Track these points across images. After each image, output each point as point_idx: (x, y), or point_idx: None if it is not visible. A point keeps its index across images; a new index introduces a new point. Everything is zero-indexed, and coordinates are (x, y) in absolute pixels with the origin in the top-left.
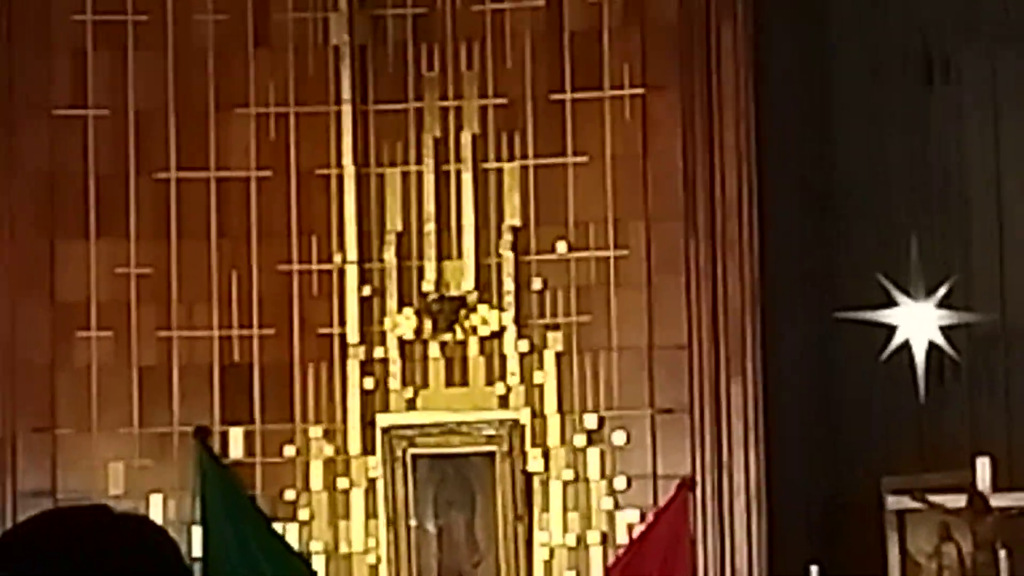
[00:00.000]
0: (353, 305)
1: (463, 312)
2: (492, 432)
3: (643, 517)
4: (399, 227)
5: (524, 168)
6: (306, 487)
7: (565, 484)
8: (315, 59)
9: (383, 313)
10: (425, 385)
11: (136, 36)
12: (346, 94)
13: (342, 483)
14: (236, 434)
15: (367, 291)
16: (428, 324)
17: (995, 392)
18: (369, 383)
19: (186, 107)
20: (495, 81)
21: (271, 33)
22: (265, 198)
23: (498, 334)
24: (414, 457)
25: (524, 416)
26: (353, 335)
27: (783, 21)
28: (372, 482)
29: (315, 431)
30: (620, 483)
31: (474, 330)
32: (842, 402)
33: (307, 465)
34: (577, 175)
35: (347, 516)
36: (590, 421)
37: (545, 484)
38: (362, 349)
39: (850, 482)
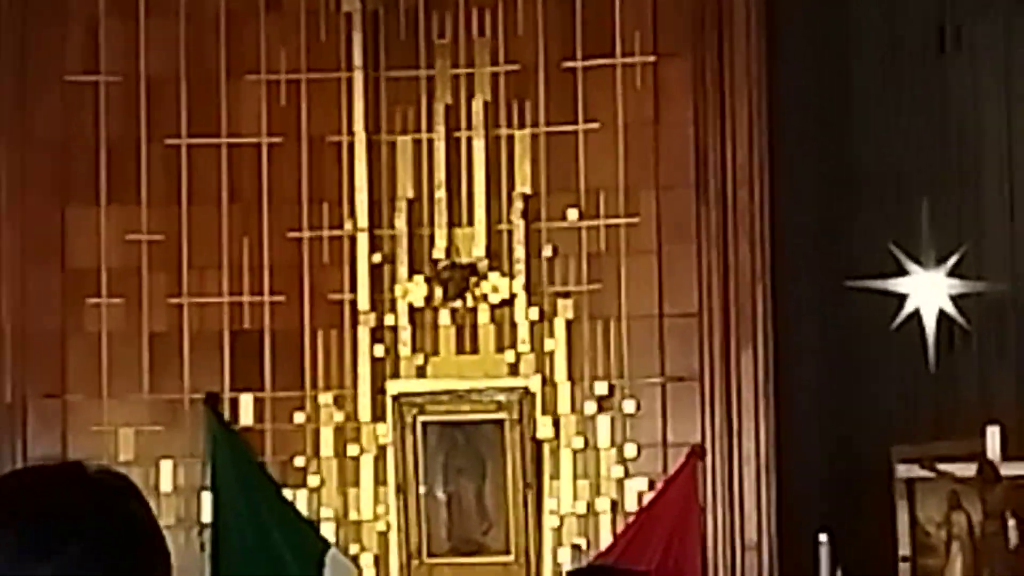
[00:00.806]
0: (364, 272)
1: (474, 279)
2: (502, 399)
3: (653, 485)
4: (410, 194)
5: (535, 136)
6: (316, 454)
7: (575, 452)
8: (327, 25)
9: (394, 280)
10: (435, 352)
11: (148, 3)
12: (358, 61)
13: (352, 450)
14: (246, 400)
15: (378, 258)
16: (439, 291)
17: (1005, 361)
18: (379, 350)
19: (198, 73)
20: (507, 48)
21: None
22: (276, 165)
23: (508, 302)
24: (424, 424)
25: (534, 384)
26: (364, 302)
27: None
28: (382, 449)
29: (325, 398)
30: (630, 451)
31: (484, 297)
32: (852, 370)
33: (317, 432)
34: (588, 143)
35: (357, 483)
36: (600, 389)
37: (555, 452)
38: (373, 316)
39: (860, 450)
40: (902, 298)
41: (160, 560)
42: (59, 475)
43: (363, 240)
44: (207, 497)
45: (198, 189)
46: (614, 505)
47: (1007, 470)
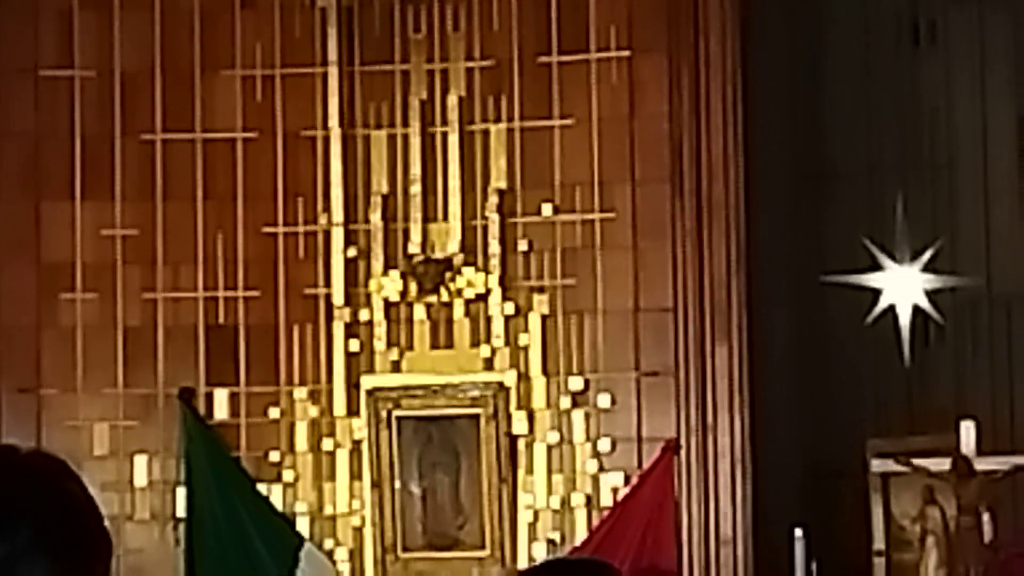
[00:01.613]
0: (339, 267)
1: (448, 274)
2: (477, 394)
3: (628, 480)
4: (385, 189)
5: (510, 130)
6: (291, 448)
7: (550, 447)
8: (301, 20)
9: (368, 275)
10: (410, 347)
11: None
12: (332, 56)
13: (327, 444)
14: (221, 395)
15: (352, 253)
16: (413, 286)
17: (979, 356)
18: (354, 345)
19: (172, 68)
20: (481, 43)
21: None
22: (251, 159)
23: (483, 296)
24: (399, 419)
25: (509, 378)
26: (338, 297)
27: None
28: (357, 444)
29: (300, 392)
30: (604, 446)
31: (459, 292)
32: (827, 366)
33: (292, 426)
34: (563, 138)
35: (332, 478)
36: (575, 383)
37: (530, 446)
38: (347, 311)
39: (835, 445)
40: (876, 293)
41: (102, 537)
42: None
43: (338, 235)
44: (182, 492)
45: (173, 184)
46: (589, 500)
47: (981, 465)
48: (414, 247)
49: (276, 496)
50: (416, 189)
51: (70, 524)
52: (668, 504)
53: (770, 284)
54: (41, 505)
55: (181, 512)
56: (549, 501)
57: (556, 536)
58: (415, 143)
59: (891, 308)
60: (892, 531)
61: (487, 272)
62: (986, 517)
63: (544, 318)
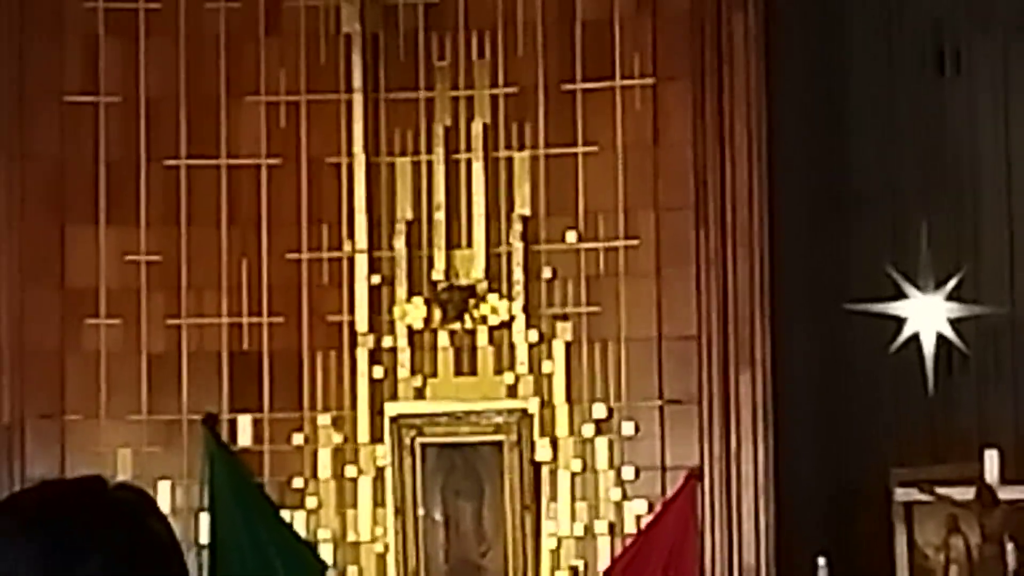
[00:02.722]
0: (363, 293)
1: (472, 301)
2: (500, 421)
3: (651, 508)
4: (409, 216)
5: (534, 157)
6: (314, 475)
7: (573, 474)
8: (327, 47)
9: (392, 302)
10: (434, 374)
11: (148, 23)
12: (357, 82)
13: (350, 471)
14: (244, 421)
15: (376, 279)
16: (437, 313)
17: (1003, 385)
18: (378, 371)
19: (197, 94)
20: (506, 70)
21: (283, 21)
22: (275, 186)
23: (507, 323)
24: (422, 446)
25: (533, 406)
26: (362, 323)
27: (796, 11)
28: (380, 470)
29: (324, 419)
30: (628, 473)
31: (483, 319)
32: (851, 394)
33: (315, 453)
34: (587, 165)
35: (355, 504)
36: (599, 411)
37: (553, 474)
38: (371, 338)
39: (858, 474)
40: (900, 321)
41: (178, 574)
42: (80, 489)
43: (362, 261)
44: (205, 518)
45: (197, 210)
46: (612, 527)
47: (1005, 494)
48: (438, 274)
49: (299, 522)
50: (440, 216)
51: (143, 559)
52: (691, 532)
53: (794, 312)
54: (115, 538)
55: (205, 538)
56: (572, 528)
57: (579, 564)
58: (439, 170)
59: (915, 336)
60: (916, 560)
61: (511, 299)
62: (1010, 547)
63: (568, 345)
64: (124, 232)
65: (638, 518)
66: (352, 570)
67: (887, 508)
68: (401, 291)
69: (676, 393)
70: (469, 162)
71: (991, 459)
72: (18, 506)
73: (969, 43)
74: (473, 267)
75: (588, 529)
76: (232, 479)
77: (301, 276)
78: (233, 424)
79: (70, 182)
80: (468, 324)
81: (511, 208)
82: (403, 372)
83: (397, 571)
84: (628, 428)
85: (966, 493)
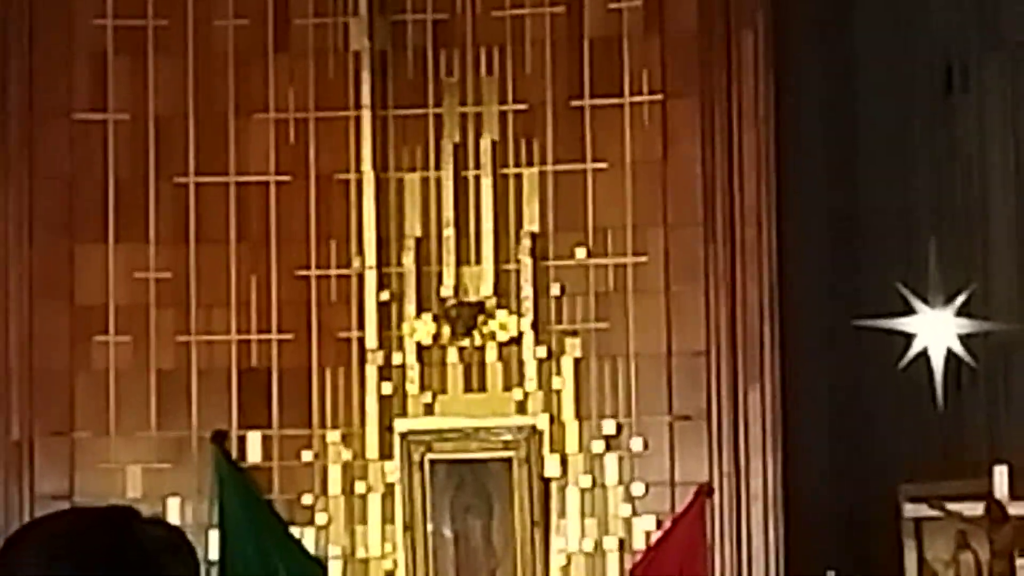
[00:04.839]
0: (372, 310)
1: (481, 318)
2: (510, 438)
3: (660, 524)
4: (418, 232)
5: (543, 174)
6: (324, 491)
7: (582, 490)
8: (335, 64)
9: (401, 318)
10: (443, 390)
11: (156, 41)
12: (366, 99)
13: (359, 488)
14: (254, 438)
15: (385, 296)
16: (446, 329)
17: (1013, 400)
18: (387, 388)
19: (206, 112)
20: (515, 87)
21: (291, 38)
22: (284, 203)
23: (516, 340)
24: (432, 462)
25: (542, 422)
26: (371, 340)
27: (804, 28)
28: (389, 487)
29: (333, 436)
30: (638, 489)
31: (492, 336)
32: (860, 410)
33: (325, 469)
34: (596, 181)
35: (364, 521)
36: (608, 427)
37: (562, 490)
38: (380, 354)
39: (867, 490)
40: (910, 337)
41: None
42: (107, 521)
43: (371, 278)
44: (214, 535)
45: (206, 227)
46: (622, 544)
47: (1015, 509)
48: (447, 290)
49: (309, 539)
50: (449, 232)
51: None
52: (701, 548)
53: (803, 328)
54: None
55: (214, 555)
56: (582, 545)
57: None
58: (448, 186)
59: (924, 352)
60: None
61: (520, 315)
62: (1020, 562)
63: (577, 361)
64: (133, 249)
65: (647, 534)
66: None
67: (897, 524)
68: (410, 307)
69: (685, 409)
70: (478, 178)
71: (1001, 475)
72: (43, 532)
73: (978, 61)
74: (482, 283)
75: (597, 545)
76: (241, 496)
77: (310, 293)
78: (243, 441)
79: (79, 200)
80: (477, 340)
81: (520, 224)
82: (412, 388)
83: None
84: (637, 444)
85: (976, 509)
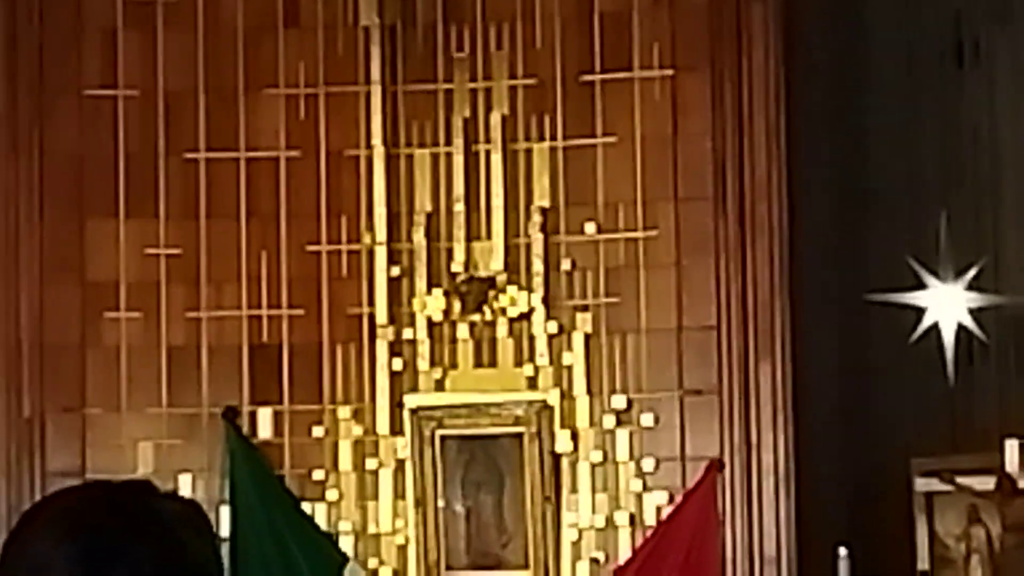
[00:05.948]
0: (382, 286)
1: (492, 293)
2: (520, 413)
3: (671, 499)
4: (428, 208)
5: (553, 149)
6: (334, 467)
7: (593, 465)
8: (345, 40)
9: (412, 294)
10: (454, 366)
11: (166, 16)
12: (375, 75)
13: (370, 463)
14: (265, 414)
15: (396, 272)
16: (457, 305)
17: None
18: (398, 364)
19: (216, 87)
20: (525, 62)
21: (301, 13)
22: (294, 178)
23: (527, 315)
24: (442, 438)
25: (553, 397)
26: (382, 316)
27: (815, 2)
28: (400, 463)
29: (344, 411)
30: (648, 465)
31: (503, 311)
32: (871, 384)
33: (335, 445)
34: (606, 156)
35: (375, 497)
36: (619, 402)
37: (573, 465)
38: (391, 330)
39: (879, 464)
40: (920, 312)
41: None
42: (123, 495)
43: (381, 253)
44: (226, 511)
45: (216, 203)
46: (633, 519)
47: None
48: (457, 266)
49: (320, 515)
50: (459, 208)
51: (170, 572)
52: (712, 523)
53: (813, 302)
54: (141, 552)
55: (225, 531)
56: (593, 520)
57: (600, 555)
58: (458, 162)
59: (935, 326)
60: (936, 550)
61: (530, 291)
62: None
63: (587, 337)
64: (143, 225)
65: (659, 509)
66: (373, 562)
67: (908, 498)
68: (421, 283)
69: (696, 384)
70: (488, 154)
71: (1012, 449)
72: (57, 508)
73: (988, 34)
74: (492, 259)
75: (609, 520)
76: (253, 472)
77: (320, 269)
78: (253, 417)
79: (89, 176)
80: (488, 316)
81: (530, 200)
82: (423, 364)
83: (418, 563)
84: (648, 419)
85: (987, 483)
